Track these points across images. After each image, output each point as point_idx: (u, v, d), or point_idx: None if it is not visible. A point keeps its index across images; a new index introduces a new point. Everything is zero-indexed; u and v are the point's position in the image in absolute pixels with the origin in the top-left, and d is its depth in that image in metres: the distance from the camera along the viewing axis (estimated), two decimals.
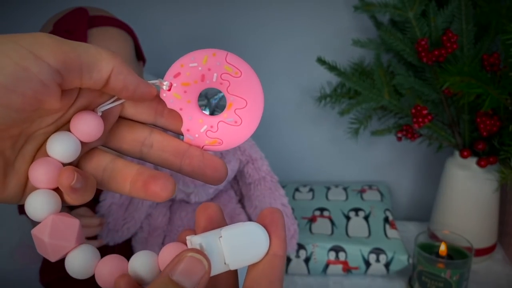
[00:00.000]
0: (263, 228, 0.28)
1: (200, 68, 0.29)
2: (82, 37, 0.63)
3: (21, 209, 0.73)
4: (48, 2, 0.82)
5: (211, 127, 0.30)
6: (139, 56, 0.75)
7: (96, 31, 0.66)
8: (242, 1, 0.99)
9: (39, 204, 0.26)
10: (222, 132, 0.30)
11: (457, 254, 0.77)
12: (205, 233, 0.28)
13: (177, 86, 0.29)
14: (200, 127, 0.30)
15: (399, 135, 0.89)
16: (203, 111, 0.64)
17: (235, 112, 0.30)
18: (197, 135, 0.30)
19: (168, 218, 0.73)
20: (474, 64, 0.75)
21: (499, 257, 0.91)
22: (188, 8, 1.00)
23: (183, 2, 1.00)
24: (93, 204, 0.70)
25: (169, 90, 0.29)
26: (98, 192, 0.67)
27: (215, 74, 0.29)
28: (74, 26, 0.63)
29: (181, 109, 0.29)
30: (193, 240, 0.27)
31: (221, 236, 0.27)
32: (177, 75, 0.29)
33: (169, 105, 0.29)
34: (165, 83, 0.29)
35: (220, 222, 0.29)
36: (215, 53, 0.29)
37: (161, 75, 0.98)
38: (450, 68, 0.73)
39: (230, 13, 1.00)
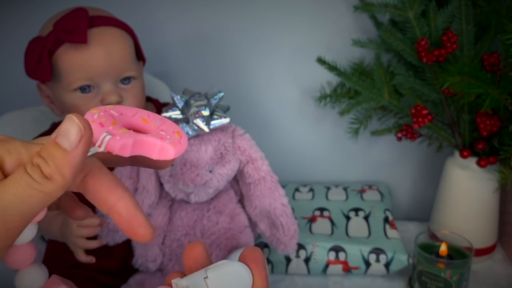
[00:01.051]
0: (246, 268, 0.29)
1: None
2: (82, 37, 0.63)
3: None
4: (49, 2, 0.82)
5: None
6: (139, 55, 0.75)
7: (96, 31, 0.66)
8: (242, 2, 0.99)
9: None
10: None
11: (457, 254, 0.77)
12: (190, 275, 0.29)
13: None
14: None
15: (399, 135, 0.89)
16: (202, 111, 0.63)
17: None
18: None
19: (168, 218, 0.73)
20: (474, 64, 0.75)
21: (499, 257, 0.91)
22: (189, 8, 1.00)
23: (184, 2, 1.00)
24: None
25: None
26: None
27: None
28: (74, 26, 0.64)
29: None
30: (179, 284, 0.28)
31: (206, 277, 0.28)
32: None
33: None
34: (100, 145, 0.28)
35: (205, 262, 0.30)
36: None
37: (161, 75, 0.97)
38: (450, 68, 0.73)
39: (230, 13, 1.00)
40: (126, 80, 0.70)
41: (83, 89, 0.67)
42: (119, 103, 0.68)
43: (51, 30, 0.65)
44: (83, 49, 0.65)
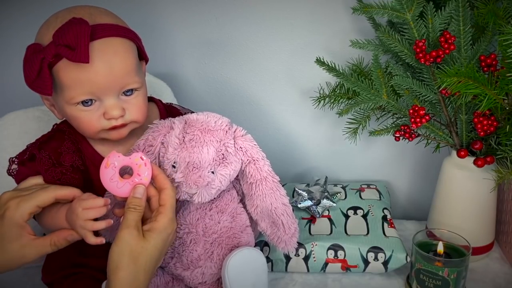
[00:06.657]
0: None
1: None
2: (84, 57, 0.60)
3: None
4: (50, 0, 0.82)
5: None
6: (141, 55, 0.73)
7: (97, 44, 0.63)
8: (243, 4, 1.00)
9: None
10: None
11: (455, 253, 0.78)
12: None
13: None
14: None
15: (397, 135, 0.89)
16: (326, 194, 0.89)
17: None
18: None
19: None
20: (471, 65, 0.76)
21: (497, 256, 0.92)
22: (192, 11, 1.01)
23: (187, 4, 1.00)
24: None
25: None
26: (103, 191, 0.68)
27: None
28: (76, 43, 0.61)
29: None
30: None
31: None
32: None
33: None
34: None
35: None
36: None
37: (163, 76, 0.97)
38: (448, 69, 0.74)
39: (231, 16, 1.01)
40: (129, 91, 0.68)
41: (85, 102, 0.66)
42: (121, 116, 0.68)
43: (51, 41, 0.63)
44: (85, 65, 0.62)
